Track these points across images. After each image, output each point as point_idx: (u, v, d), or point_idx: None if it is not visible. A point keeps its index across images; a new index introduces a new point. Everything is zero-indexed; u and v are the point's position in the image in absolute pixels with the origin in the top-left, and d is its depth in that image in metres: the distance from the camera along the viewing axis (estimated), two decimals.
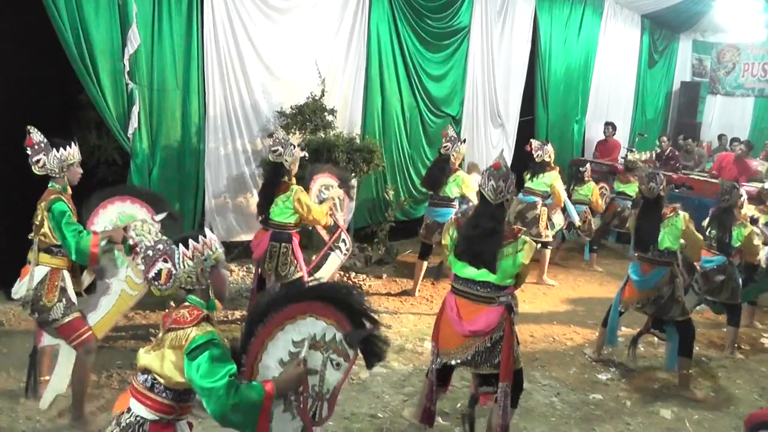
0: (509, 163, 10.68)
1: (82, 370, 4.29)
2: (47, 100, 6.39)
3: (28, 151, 4.20)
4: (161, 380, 2.65)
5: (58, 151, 4.23)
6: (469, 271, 3.96)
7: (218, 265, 2.81)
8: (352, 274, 7.81)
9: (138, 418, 2.67)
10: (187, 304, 2.72)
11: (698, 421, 5.00)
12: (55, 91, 6.55)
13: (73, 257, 4.19)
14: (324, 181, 6.28)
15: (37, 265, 4.22)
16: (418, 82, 9.04)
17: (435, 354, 4.18)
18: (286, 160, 5.63)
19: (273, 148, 5.65)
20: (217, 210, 7.24)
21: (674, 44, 14.84)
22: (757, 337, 6.92)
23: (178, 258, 2.68)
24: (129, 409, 2.70)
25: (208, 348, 2.57)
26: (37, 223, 4.19)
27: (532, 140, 8.28)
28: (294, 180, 5.77)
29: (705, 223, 6.41)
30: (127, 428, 2.67)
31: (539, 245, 8.13)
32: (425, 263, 7.40)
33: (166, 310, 2.79)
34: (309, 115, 7.23)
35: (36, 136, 4.20)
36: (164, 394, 2.67)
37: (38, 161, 4.18)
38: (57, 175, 4.25)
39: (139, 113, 6.29)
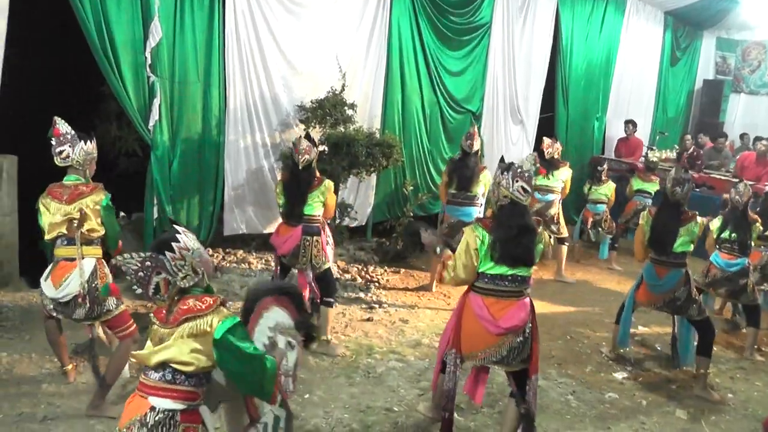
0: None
1: (122, 360, 4.37)
2: (68, 93, 6.48)
3: (53, 142, 4.22)
4: (184, 369, 2.73)
5: (85, 144, 4.28)
6: (498, 268, 3.92)
7: (202, 252, 2.89)
8: (370, 268, 7.83)
9: (167, 412, 2.73)
10: (189, 295, 2.80)
11: (715, 423, 4.96)
12: (77, 83, 6.64)
13: (112, 246, 4.42)
14: None
15: (83, 258, 4.24)
16: (439, 78, 9.02)
17: (456, 358, 4.05)
18: (313, 160, 5.59)
19: (301, 158, 5.46)
20: (236, 202, 7.29)
21: (697, 42, 14.66)
22: None
23: (170, 265, 2.76)
24: (153, 408, 2.73)
25: (237, 330, 2.75)
26: (77, 217, 4.19)
27: (545, 138, 8.30)
28: (318, 173, 5.73)
29: (713, 224, 6.32)
30: (157, 425, 2.71)
31: (555, 241, 8.19)
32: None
33: (156, 306, 2.88)
34: (329, 110, 7.25)
35: (63, 126, 4.23)
36: (187, 383, 2.76)
37: (62, 152, 4.21)
38: (80, 168, 4.29)
39: (160, 105, 6.35)
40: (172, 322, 2.74)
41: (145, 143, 6.58)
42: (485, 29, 9.51)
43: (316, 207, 5.59)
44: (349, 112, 7.44)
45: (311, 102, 7.33)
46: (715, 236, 6.24)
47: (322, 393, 4.84)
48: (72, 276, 4.21)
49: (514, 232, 3.88)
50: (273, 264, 6.29)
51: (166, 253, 2.76)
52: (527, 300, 3.98)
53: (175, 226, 2.89)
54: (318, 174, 5.71)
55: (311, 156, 5.52)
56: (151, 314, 2.87)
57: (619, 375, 5.66)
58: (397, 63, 8.47)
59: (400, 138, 8.34)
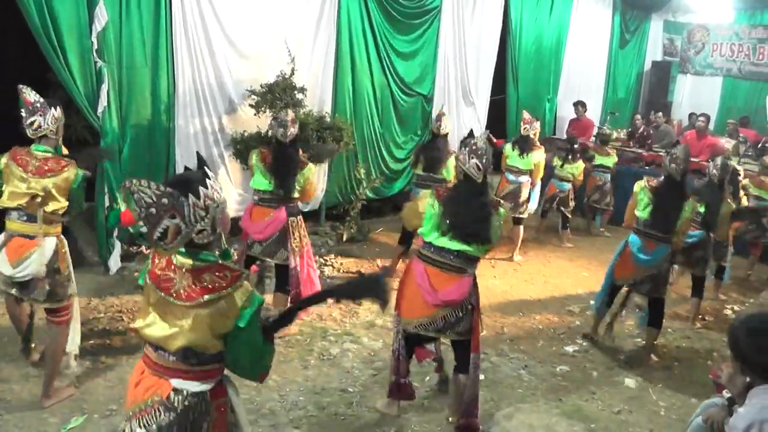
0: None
1: (61, 347, 4.25)
2: (11, 81, 6.32)
3: (23, 113, 3.99)
4: (207, 351, 2.45)
5: (55, 110, 4.07)
6: (445, 241, 3.96)
7: (225, 208, 2.52)
8: (324, 253, 7.83)
9: (198, 396, 2.48)
10: (203, 265, 2.41)
11: (661, 390, 5.13)
12: (22, 70, 6.48)
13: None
14: None
15: (45, 236, 4.06)
16: (389, 61, 9.03)
17: (398, 320, 4.22)
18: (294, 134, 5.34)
19: (288, 132, 5.24)
20: None
21: (646, 24, 14.92)
22: (720, 308, 7.07)
23: (189, 211, 2.31)
24: (177, 390, 2.45)
25: (258, 317, 2.45)
26: (41, 194, 3.98)
27: (525, 112, 8.36)
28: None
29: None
30: (188, 408, 2.46)
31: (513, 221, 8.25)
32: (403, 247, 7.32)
33: (155, 272, 2.47)
34: (279, 94, 7.20)
35: (31, 95, 4.00)
36: (212, 360, 2.49)
37: (33, 123, 3.99)
38: (54, 136, 4.10)
39: (108, 91, 6.23)
40: (186, 299, 2.37)
41: (94, 131, 6.47)
42: (435, 12, 9.53)
43: (296, 189, 5.35)
44: (299, 95, 7.39)
45: (261, 86, 7.28)
46: None
47: (277, 377, 4.85)
48: (32, 257, 4.01)
49: (471, 210, 3.91)
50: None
51: (189, 195, 2.31)
52: (471, 279, 4.02)
53: (205, 168, 2.46)
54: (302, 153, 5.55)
55: (296, 130, 5.32)
56: (146, 276, 2.49)
57: (570, 348, 5.78)
58: (347, 46, 8.45)
59: (351, 121, 8.34)
